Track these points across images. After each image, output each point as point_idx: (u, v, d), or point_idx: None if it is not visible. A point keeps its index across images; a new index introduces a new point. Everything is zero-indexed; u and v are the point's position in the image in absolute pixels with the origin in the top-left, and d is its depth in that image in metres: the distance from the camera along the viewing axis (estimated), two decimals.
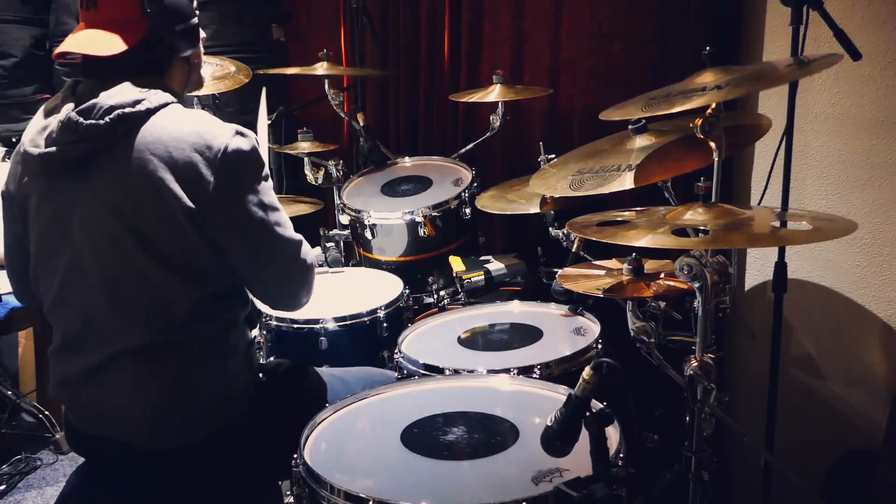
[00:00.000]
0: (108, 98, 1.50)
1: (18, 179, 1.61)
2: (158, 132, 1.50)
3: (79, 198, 1.53)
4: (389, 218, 2.60)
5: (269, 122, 3.00)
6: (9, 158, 3.30)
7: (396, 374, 1.98)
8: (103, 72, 1.55)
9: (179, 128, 1.52)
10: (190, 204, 1.49)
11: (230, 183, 1.52)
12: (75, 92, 1.57)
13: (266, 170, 1.59)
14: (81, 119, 1.48)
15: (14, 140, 3.38)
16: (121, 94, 1.51)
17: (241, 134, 1.55)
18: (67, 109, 1.51)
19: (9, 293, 2.66)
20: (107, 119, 1.48)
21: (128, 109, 1.49)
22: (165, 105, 1.54)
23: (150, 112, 1.52)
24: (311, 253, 1.70)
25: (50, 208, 1.56)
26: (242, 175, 1.54)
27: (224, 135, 1.52)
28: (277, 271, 1.64)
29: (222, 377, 1.61)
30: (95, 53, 1.53)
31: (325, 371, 1.92)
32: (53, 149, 1.50)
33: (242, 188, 1.54)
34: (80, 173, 1.52)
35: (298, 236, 1.66)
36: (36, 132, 1.55)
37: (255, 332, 1.84)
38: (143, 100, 1.51)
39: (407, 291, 2.38)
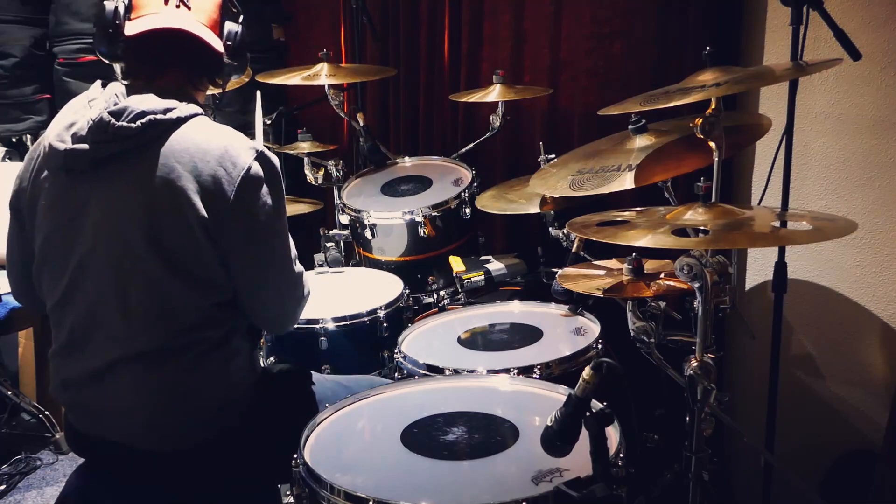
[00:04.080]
0: (139, 103, 1.52)
1: (34, 176, 1.61)
2: (186, 142, 1.52)
3: (96, 198, 1.53)
4: (389, 218, 2.60)
5: (269, 121, 3.01)
6: (9, 159, 3.31)
7: (397, 376, 1.98)
8: (185, 57, 1.61)
9: (208, 140, 1.53)
10: (207, 216, 1.50)
11: (247, 203, 1.53)
12: (103, 93, 1.58)
13: (283, 195, 1.61)
14: (113, 120, 1.49)
15: (14, 140, 3.38)
16: (151, 101, 1.53)
17: (265, 156, 1.57)
18: (98, 109, 1.52)
19: (9, 293, 2.66)
20: (138, 123, 1.50)
21: (159, 116, 1.51)
22: (194, 116, 1.56)
23: (180, 121, 1.54)
24: (307, 285, 1.73)
25: (65, 206, 1.56)
26: (259, 197, 1.55)
27: (248, 155, 1.54)
28: (272, 294, 1.65)
29: (224, 381, 1.61)
30: (207, 40, 1.60)
31: (327, 378, 1.92)
32: (83, 146, 1.51)
33: (257, 209, 1.55)
34: (102, 174, 1.53)
35: (300, 268, 1.70)
36: (62, 129, 1.55)
37: (257, 337, 1.84)
38: (173, 108, 1.53)
39: (407, 291, 2.38)
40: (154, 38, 1.57)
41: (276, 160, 1.60)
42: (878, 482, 2.09)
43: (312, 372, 1.90)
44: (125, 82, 1.61)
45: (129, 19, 1.59)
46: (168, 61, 1.61)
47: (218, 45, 1.64)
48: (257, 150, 1.56)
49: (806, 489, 2.03)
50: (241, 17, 1.70)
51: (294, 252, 1.67)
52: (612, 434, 1.47)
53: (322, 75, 2.73)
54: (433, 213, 2.56)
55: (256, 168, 1.55)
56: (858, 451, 2.32)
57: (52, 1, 3.32)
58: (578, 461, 1.34)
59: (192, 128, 1.55)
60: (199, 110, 1.59)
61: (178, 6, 1.59)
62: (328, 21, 3.45)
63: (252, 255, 1.58)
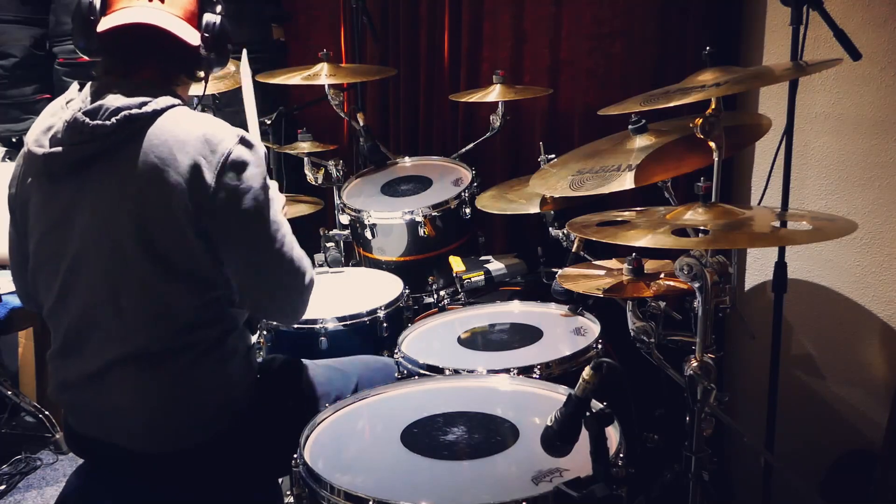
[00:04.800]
0: (114, 100, 1.50)
1: (21, 181, 1.61)
2: (164, 135, 1.50)
3: (82, 199, 1.52)
4: (389, 218, 2.60)
5: (269, 121, 3.00)
6: (9, 159, 3.32)
7: (396, 376, 1.98)
8: (157, 52, 1.58)
9: (186, 130, 1.51)
10: (192, 208, 1.49)
11: (229, 189, 1.51)
12: (80, 93, 1.57)
13: (268, 180, 1.58)
14: (88, 119, 1.48)
15: (14, 140, 3.38)
16: (127, 97, 1.51)
17: (246, 141, 1.54)
18: (73, 110, 1.51)
19: (9, 293, 2.66)
20: (113, 120, 1.48)
21: (134, 111, 1.49)
22: (171, 107, 1.54)
23: (157, 114, 1.52)
24: (310, 271, 1.66)
25: (52, 210, 1.55)
26: (242, 182, 1.52)
27: (228, 140, 1.52)
28: (270, 284, 1.62)
29: (222, 381, 1.61)
30: (178, 34, 1.56)
31: (321, 363, 1.92)
32: (59, 149, 1.50)
33: (241, 195, 1.52)
34: (84, 175, 1.52)
35: (300, 252, 1.63)
36: (40, 132, 1.55)
37: (255, 336, 1.83)
38: (148, 101, 1.51)
39: (407, 291, 2.38)
40: (123, 33, 1.54)
41: (259, 145, 1.57)
42: (878, 482, 2.09)
43: (305, 360, 1.89)
44: (102, 80, 1.58)
45: (106, 14, 1.57)
46: (140, 57, 1.59)
47: (192, 38, 1.59)
48: (238, 136, 1.53)
49: (806, 489, 2.03)
50: (220, 7, 1.64)
51: (288, 236, 1.60)
52: (612, 434, 1.47)
53: (322, 75, 2.73)
54: (433, 213, 2.56)
55: (237, 153, 1.51)
56: (858, 451, 2.32)
57: (52, 1, 3.32)
58: (578, 461, 1.34)
59: (170, 119, 1.52)
60: (177, 101, 1.56)
61: (150, 0, 1.56)
62: (328, 21, 3.45)
63: (242, 243, 1.55)
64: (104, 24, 1.55)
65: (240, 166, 1.52)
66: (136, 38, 1.56)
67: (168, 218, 1.49)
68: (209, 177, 1.49)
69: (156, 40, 1.56)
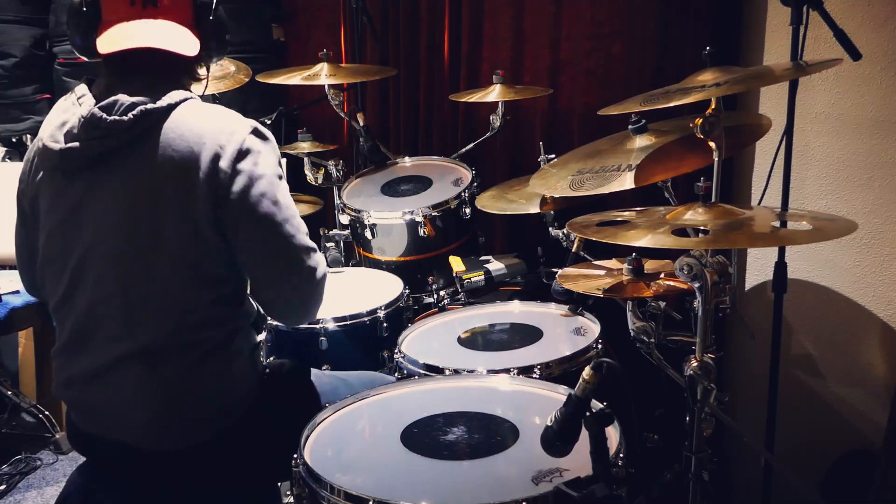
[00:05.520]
0: (128, 96, 1.51)
1: (31, 177, 1.61)
2: (181, 129, 1.51)
3: (95, 194, 1.53)
4: (389, 218, 2.60)
5: (269, 121, 3.00)
6: (9, 159, 3.31)
7: (397, 377, 1.98)
8: (159, 71, 1.58)
9: (200, 123, 1.53)
10: (208, 201, 1.50)
11: (245, 181, 1.52)
12: (90, 90, 1.58)
13: (281, 169, 1.60)
14: (105, 115, 1.49)
15: (14, 140, 3.39)
16: (140, 92, 1.52)
17: (259, 132, 1.56)
18: (88, 105, 1.51)
19: (9, 293, 2.66)
20: (130, 115, 1.49)
21: (150, 105, 1.50)
22: (185, 100, 1.56)
23: (171, 108, 1.53)
24: (322, 265, 1.65)
25: (63, 205, 1.56)
26: (256, 173, 1.53)
27: (243, 131, 1.54)
28: (285, 274, 1.60)
29: (226, 381, 1.61)
30: (177, 51, 1.55)
31: (326, 374, 1.92)
32: (76, 144, 1.51)
33: (257, 186, 1.53)
34: (99, 170, 1.53)
35: (311, 243, 1.63)
36: (55, 128, 1.55)
37: (259, 337, 1.83)
38: (163, 96, 1.52)
39: (407, 291, 2.38)
40: (124, 56, 1.55)
41: (271, 135, 1.59)
42: (878, 482, 2.09)
43: (312, 369, 1.89)
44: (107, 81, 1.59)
45: (98, 18, 1.58)
46: (139, 75, 1.58)
47: (190, 47, 1.59)
48: (251, 126, 1.55)
49: (806, 489, 2.03)
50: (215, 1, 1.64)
51: (301, 226, 1.60)
52: (612, 434, 1.47)
53: (322, 75, 2.73)
54: (433, 213, 2.56)
55: (250, 142, 1.53)
56: (858, 451, 2.32)
57: (52, 1, 3.32)
58: (578, 461, 1.34)
59: (185, 112, 1.54)
60: (190, 94, 1.58)
61: (144, 7, 1.55)
62: (328, 21, 3.45)
63: (258, 235, 1.55)
64: (103, 45, 1.55)
65: (254, 154, 1.54)
66: (134, 59, 1.56)
67: (183, 213, 1.50)
68: (225, 164, 1.50)
69: (155, 59, 1.56)
